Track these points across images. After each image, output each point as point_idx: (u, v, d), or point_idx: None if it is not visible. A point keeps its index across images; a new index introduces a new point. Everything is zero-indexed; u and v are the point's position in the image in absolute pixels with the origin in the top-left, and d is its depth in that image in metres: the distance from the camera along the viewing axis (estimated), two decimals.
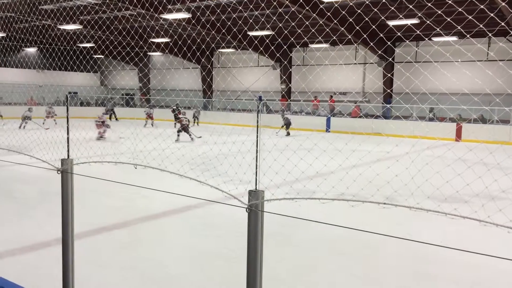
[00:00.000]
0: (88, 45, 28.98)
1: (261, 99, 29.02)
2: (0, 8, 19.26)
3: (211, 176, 8.00)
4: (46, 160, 3.28)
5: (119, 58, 34.13)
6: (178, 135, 17.33)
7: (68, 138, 3.21)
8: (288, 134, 20.57)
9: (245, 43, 23.37)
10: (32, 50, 34.37)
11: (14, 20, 22.62)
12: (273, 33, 11.48)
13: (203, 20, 21.83)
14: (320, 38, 22.31)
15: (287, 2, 9.31)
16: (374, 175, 4.08)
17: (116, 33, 24.43)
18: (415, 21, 16.41)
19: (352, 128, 19.39)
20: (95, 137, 16.90)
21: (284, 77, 28.46)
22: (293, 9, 4.41)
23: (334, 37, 21.30)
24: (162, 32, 24.21)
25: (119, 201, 7.66)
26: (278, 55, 27.08)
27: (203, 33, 23.32)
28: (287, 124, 20.72)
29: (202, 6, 19.47)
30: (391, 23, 17.37)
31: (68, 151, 3.16)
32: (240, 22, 19.92)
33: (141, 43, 27.65)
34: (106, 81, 40.16)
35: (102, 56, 36.68)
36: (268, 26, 19.91)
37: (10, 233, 6.00)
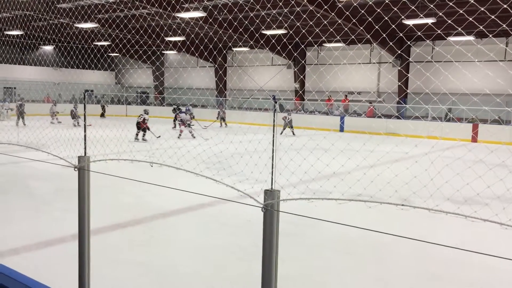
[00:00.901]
0: (104, 43, 29.24)
1: (275, 98, 28.97)
2: (18, 7, 19.55)
3: (227, 175, 7.99)
4: (63, 157, 3.31)
5: (136, 57, 34.40)
6: (137, 134, 16.57)
7: (85, 136, 3.23)
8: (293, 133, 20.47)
9: (262, 42, 23.33)
10: (49, 48, 34.86)
11: (32, 18, 22.95)
12: (291, 32, 11.41)
13: (220, 19, 21.86)
14: (338, 37, 22.16)
15: (304, 1, 9.23)
16: (392, 176, 4.01)
17: (133, 32, 24.61)
18: (432, 20, 16.19)
19: (367, 128, 19.21)
20: (177, 136, 16.95)
21: (302, 77, 28.36)
22: (311, 8, 4.37)
23: (353, 37, 21.13)
24: (179, 31, 24.31)
25: (134, 198, 7.70)
26: (296, 54, 27.00)
27: (221, 32, 23.34)
28: (290, 122, 20.64)
29: (220, 7, 19.48)
30: (407, 22, 17.16)
31: (85, 148, 3.18)
32: (257, 23, 19.91)
33: (158, 42, 27.83)
34: (123, 80, 40.50)
35: (119, 55, 37.01)
36: (286, 25, 19.85)
37: (27, 228, 6.08)
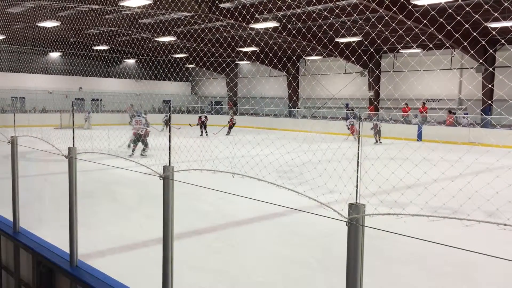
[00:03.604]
0: (181, 55, 30.49)
1: (348, 106, 28.45)
2: (105, 23, 20.94)
3: (310, 187, 7.93)
4: (149, 166, 3.46)
5: (211, 69, 35.48)
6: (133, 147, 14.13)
7: (169, 146, 3.35)
8: (377, 142, 19.93)
9: (336, 53, 23.04)
10: (131, 61, 37.03)
11: (116, 33, 24.53)
12: (365, 41, 11.16)
13: (293, 31, 21.95)
14: (415, 45, 21.38)
15: (381, 10, 8.98)
16: (493, 193, 3.67)
17: (209, 44, 25.46)
18: None
19: (446, 137, 18.20)
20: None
21: (376, 87, 27.60)
22: (386, 18, 4.23)
23: (431, 45, 20.24)
24: (254, 41, 24.73)
25: (209, 205, 7.88)
26: (370, 65, 26.34)
27: (294, 44, 23.43)
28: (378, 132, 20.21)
29: (292, 17, 19.57)
30: (493, 25, 16.12)
31: (169, 158, 3.30)
32: (330, 31, 19.73)
33: (233, 54, 28.49)
34: (200, 91, 41.90)
35: (195, 66, 38.39)
36: (361, 34, 19.45)
37: (113, 232, 6.43)
